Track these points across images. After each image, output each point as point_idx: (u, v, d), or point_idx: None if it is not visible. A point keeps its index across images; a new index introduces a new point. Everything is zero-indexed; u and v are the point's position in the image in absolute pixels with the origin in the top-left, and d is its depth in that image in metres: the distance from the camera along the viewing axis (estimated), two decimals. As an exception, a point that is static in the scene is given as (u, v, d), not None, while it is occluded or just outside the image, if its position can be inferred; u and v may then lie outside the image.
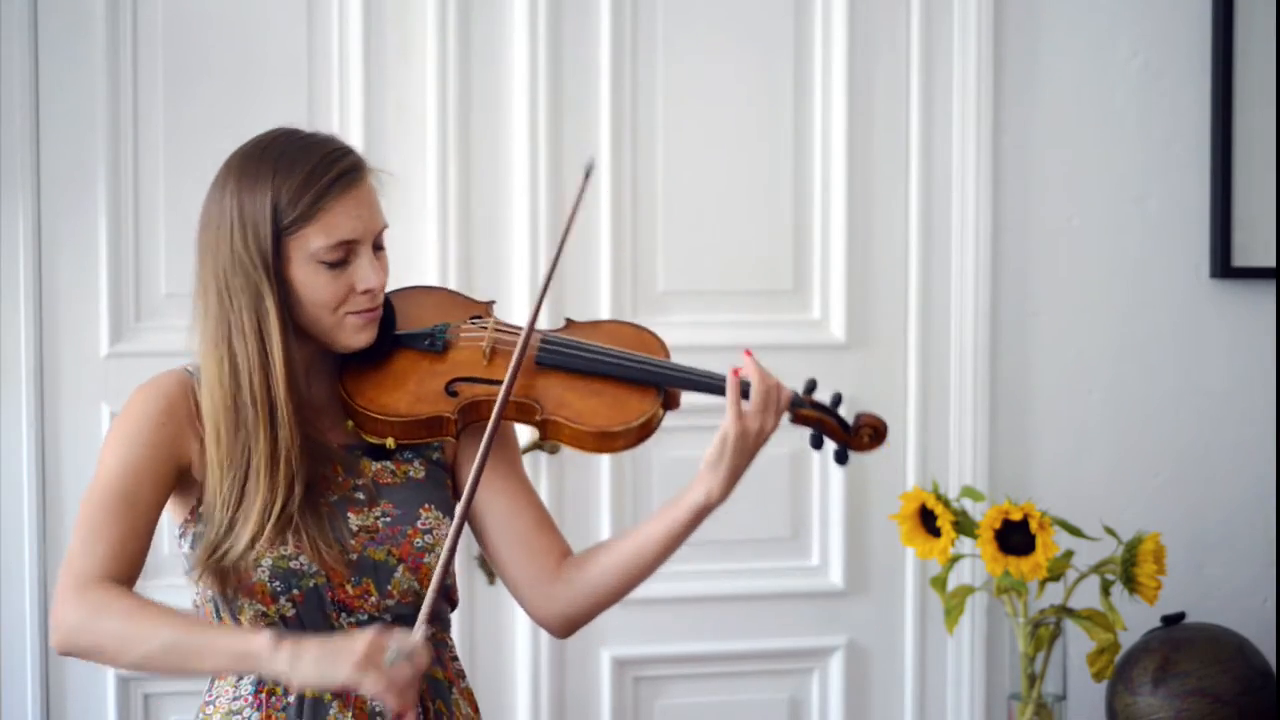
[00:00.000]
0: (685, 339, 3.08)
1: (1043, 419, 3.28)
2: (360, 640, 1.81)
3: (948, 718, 3.26)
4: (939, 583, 2.95)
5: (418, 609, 1.97)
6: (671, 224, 3.14)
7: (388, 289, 2.05)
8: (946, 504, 2.88)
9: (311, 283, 1.94)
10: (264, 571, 1.93)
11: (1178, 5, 3.30)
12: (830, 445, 2.06)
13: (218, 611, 1.98)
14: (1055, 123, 3.27)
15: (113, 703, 2.97)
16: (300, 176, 1.93)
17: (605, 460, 3.08)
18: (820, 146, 3.19)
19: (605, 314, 3.09)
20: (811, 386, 2.05)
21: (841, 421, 2.05)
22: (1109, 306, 3.31)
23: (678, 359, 2.09)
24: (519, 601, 2.10)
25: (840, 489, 3.20)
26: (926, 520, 2.91)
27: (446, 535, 1.99)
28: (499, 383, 1.97)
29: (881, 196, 3.21)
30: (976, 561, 3.08)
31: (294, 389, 1.95)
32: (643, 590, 3.12)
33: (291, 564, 1.94)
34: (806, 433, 2.05)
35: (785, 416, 2.02)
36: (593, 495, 3.08)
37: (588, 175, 2.06)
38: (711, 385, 2.01)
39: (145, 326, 2.97)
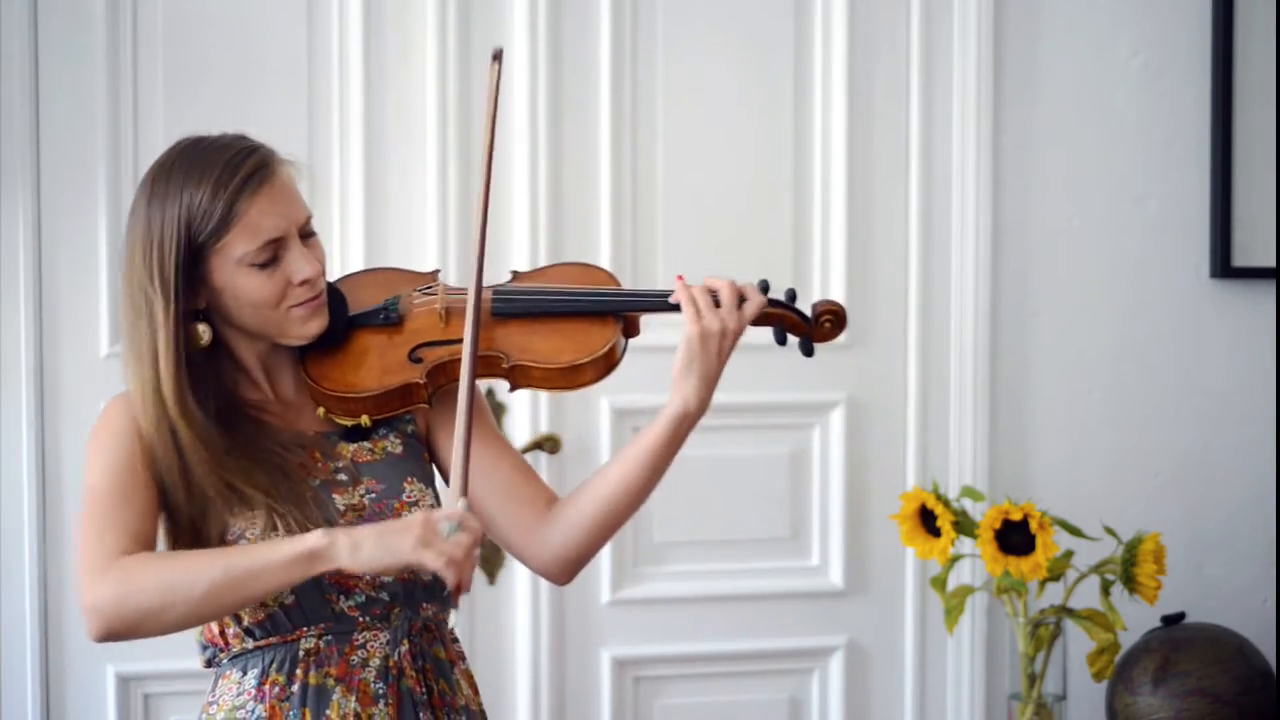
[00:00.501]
0: (685, 339, 3.10)
1: (1043, 419, 3.28)
2: (414, 520, 1.82)
3: (948, 718, 3.26)
4: (939, 583, 2.95)
5: (412, 586, 1.98)
6: (671, 223, 3.14)
7: (333, 277, 2.05)
8: (946, 504, 2.88)
9: (246, 286, 1.93)
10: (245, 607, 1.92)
11: (1178, 5, 3.30)
12: (794, 340, 2.08)
13: None
14: (1055, 123, 3.27)
15: (113, 703, 2.97)
16: (208, 186, 1.90)
17: (605, 458, 3.08)
18: (820, 146, 3.19)
19: (605, 314, 3.09)
20: (765, 287, 2.06)
21: (801, 314, 2.07)
22: (1109, 306, 3.31)
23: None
24: (516, 554, 2.08)
25: (840, 489, 3.21)
26: (926, 520, 2.91)
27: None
28: (460, 341, 1.98)
29: (881, 196, 3.21)
30: (976, 561, 3.08)
31: (186, 409, 1.91)
32: (643, 590, 3.14)
33: None
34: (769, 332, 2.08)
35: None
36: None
37: (496, 60, 2.05)
38: (665, 304, 2.03)
39: (145, 326, 2.96)
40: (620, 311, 2.05)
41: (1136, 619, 3.01)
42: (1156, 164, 3.31)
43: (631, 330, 2.08)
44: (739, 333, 2.00)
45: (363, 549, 1.81)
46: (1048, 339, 3.28)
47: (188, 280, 1.92)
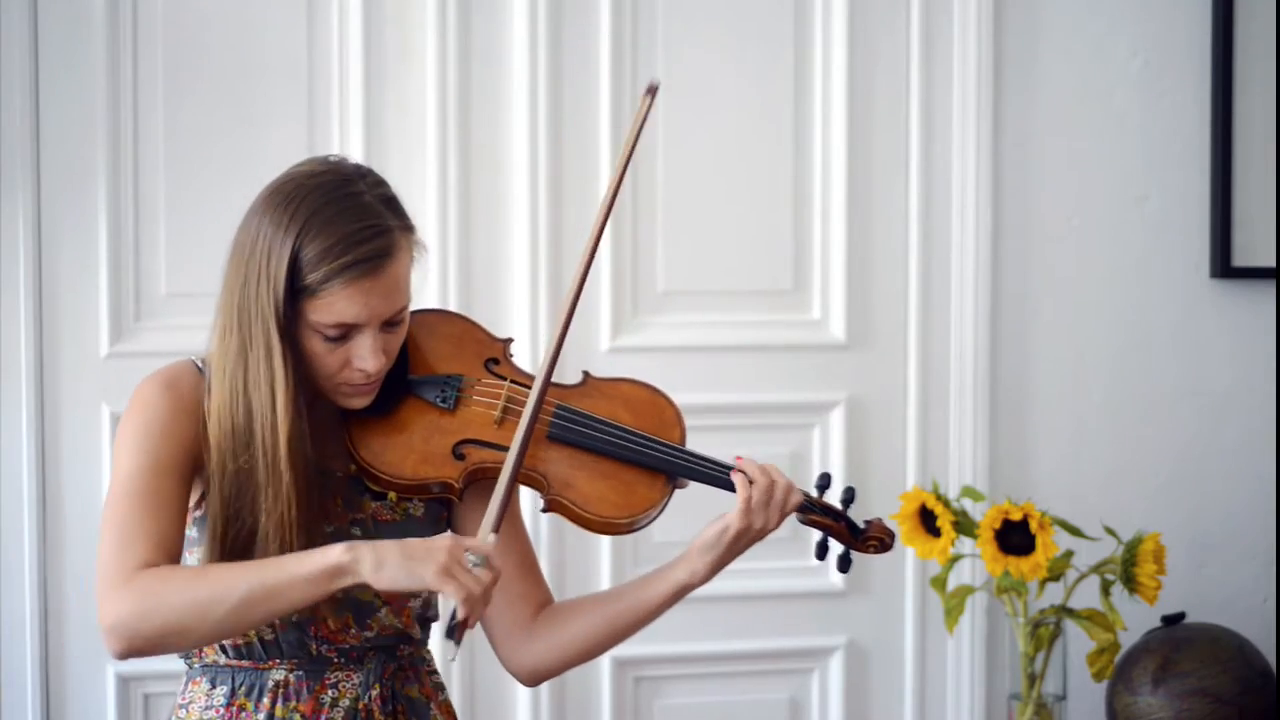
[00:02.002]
0: (685, 339, 3.10)
1: (1043, 419, 3.28)
2: (440, 544, 1.79)
3: (948, 718, 3.26)
4: (939, 583, 2.95)
5: (397, 640, 1.97)
6: (671, 224, 3.14)
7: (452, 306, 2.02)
8: (946, 504, 2.88)
9: (309, 346, 1.89)
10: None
11: (1178, 5, 3.30)
12: (835, 548, 2.05)
13: None
14: (1055, 123, 3.27)
15: (113, 703, 2.97)
16: (322, 246, 1.85)
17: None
18: (820, 146, 3.19)
19: (605, 314, 3.09)
20: (824, 484, 2.03)
21: (851, 525, 2.03)
22: (1109, 306, 3.31)
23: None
24: (491, 643, 2.08)
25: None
26: (926, 520, 2.91)
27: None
28: (507, 449, 1.93)
29: (881, 196, 3.21)
30: (976, 561, 3.08)
31: (297, 459, 1.88)
32: (643, 590, 3.14)
33: None
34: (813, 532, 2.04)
35: (793, 515, 2.00)
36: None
37: (650, 93, 1.99)
38: (725, 480, 1.98)
39: (145, 326, 2.97)
40: (675, 475, 1.99)
41: (1136, 619, 3.01)
42: (1156, 164, 3.31)
43: (680, 483, 2.02)
44: (774, 530, 2.00)
45: (386, 567, 1.78)
46: (1048, 339, 3.28)
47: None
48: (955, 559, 2.94)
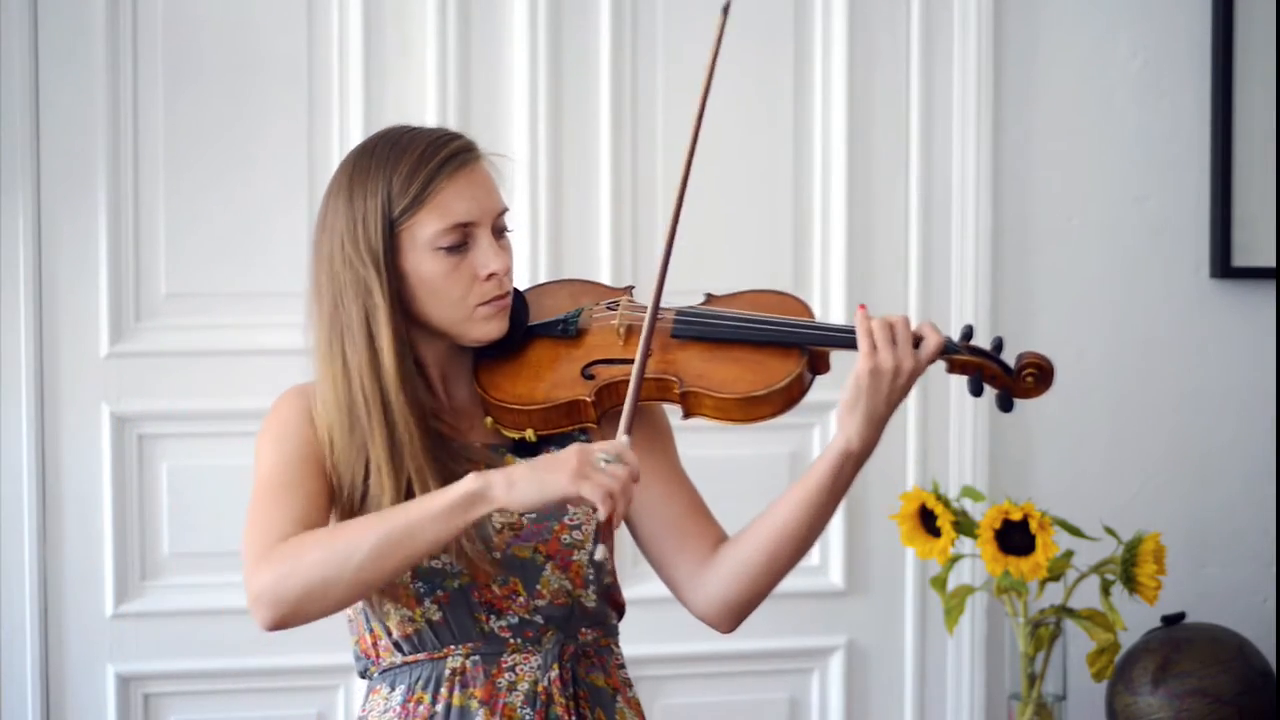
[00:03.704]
0: (685, 339, 3.10)
1: (1043, 419, 3.28)
2: (569, 452, 1.75)
3: (948, 718, 3.26)
4: (939, 583, 2.95)
5: (571, 611, 1.92)
6: (671, 224, 3.14)
7: (521, 287, 2.00)
8: (946, 504, 2.88)
9: (432, 272, 1.89)
10: (405, 573, 1.87)
11: (1178, 5, 3.30)
12: (990, 392, 1.98)
13: (367, 620, 1.94)
14: (1055, 122, 3.27)
15: (113, 703, 2.97)
16: (410, 162, 1.88)
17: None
18: (820, 146, 3.19)
19: (605, 314, 3.09)
20: (968, 333, 1.97)
21: (1003, 365, 1.97)
22: (1109, 306, 3.31)
23: None
24: (678, 595, 2.01)
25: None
26: (926, 520, 2.91)
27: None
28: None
29: (881, 196, 3.21)
30: (976, 561, 3.08)
31: (408, 385, 1.88)
32: (642, 590, 3.13)
33: (433, 564, 1.88)
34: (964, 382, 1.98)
35: (941, 364, 1.94)
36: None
37: (725, 13, 2.03)
38: (850, 340, 1.92)
39: (145, 326, 2.97)
40: (804, 345, 1.95)
41: (1136, 619, 3.01)
42: (1156, 164, 3.31)
43: (820, 366, 1.97)
44: (914, 374, 1.89)
45: (518, 485, 1.75)
46: (1048, 339, 3.28)
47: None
48: (955, 559, 2.93)
